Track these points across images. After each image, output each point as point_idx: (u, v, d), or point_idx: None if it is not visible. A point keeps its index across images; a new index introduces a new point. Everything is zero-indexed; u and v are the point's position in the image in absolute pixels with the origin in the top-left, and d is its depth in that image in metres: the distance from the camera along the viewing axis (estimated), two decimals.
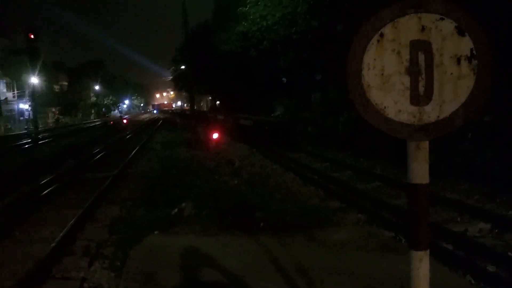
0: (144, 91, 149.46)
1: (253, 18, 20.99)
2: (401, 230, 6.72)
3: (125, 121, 52.03)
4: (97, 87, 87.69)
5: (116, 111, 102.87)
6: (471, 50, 1.85)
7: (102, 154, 18.13)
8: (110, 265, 5.24)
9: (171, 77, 65.88)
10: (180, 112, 74.20)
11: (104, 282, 4.80)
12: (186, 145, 17.78)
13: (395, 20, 1.88)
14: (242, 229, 5.81)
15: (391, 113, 1.93)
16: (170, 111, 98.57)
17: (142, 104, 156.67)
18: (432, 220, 7.44)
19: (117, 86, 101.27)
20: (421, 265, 2.00)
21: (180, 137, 22.04)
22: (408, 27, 1.88)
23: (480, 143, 9.34)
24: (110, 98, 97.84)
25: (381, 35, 1.90)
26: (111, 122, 50.37)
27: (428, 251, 2.01)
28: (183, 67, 45.24)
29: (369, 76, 1.93)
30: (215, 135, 17.43)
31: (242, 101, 32.88)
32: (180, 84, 58.02)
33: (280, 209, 6.62)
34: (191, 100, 24.35)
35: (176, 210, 6.78)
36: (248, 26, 21.69)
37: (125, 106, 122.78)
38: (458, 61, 1.86)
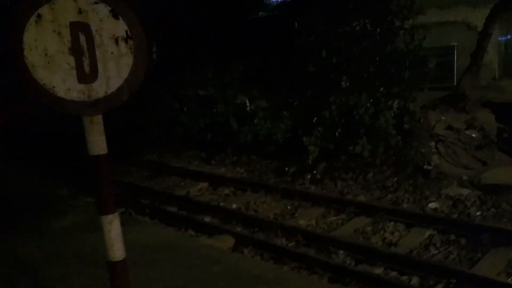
0: None
1: None
2: (130, 203, 7.10)
3: None
4: None
5: None
6: (126, 31, 2.10)
7: None
8: None
9: None
10: None
11: None
12: None
13: (52, 2, 1.94)
14: None
15: (60, 92, 2.00)
16: None
17: None
18: (159, 188, 8.09)
19: None
20: (112, 227, 2.22)
21: None
22: (65, 9, 1.96)
23: (195, 114, 10.47)
24: None
25: (39, 16, 1.93)
26: None
27: (116, 214, 2.23)
28: None
29: (33, 56, 1.93)
30: None
31: None
32: None
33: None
34: None
35: None
36: None
37: None
38: (116, 41, 2.09)
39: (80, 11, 1.99)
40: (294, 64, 8.91)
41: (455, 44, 13.29)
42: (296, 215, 6.33)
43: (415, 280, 4.35)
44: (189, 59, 11.54)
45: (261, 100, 9.50)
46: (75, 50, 2.01)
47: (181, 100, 10.42)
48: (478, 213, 5.76)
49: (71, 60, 2.01)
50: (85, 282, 3.75)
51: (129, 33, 2.11)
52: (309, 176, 7.59)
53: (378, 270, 4.55)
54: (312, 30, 8.67)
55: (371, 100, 7.57)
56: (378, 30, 8.42)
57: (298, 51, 9.17)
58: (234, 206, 6.98)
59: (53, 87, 2.00)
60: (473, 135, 7.99)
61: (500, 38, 13.72)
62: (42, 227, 5.19)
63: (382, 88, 7.99)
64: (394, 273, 4.50)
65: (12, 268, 4.09)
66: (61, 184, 8.65)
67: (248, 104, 9.49)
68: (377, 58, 8.30)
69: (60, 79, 2.00)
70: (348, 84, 8.66)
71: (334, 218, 6.13)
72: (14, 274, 3.97)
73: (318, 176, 7.54)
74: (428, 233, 5.32)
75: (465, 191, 6.41)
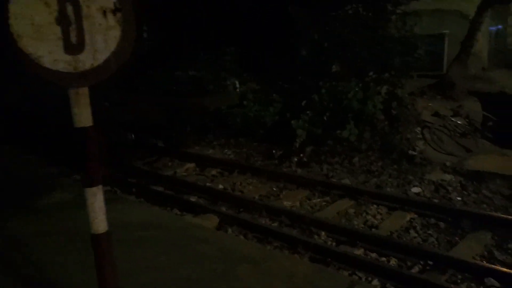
0: None
1: None
2: (116, 182, 7.11)
3: None
4: None
5: None
6: (115, 4, 2.10)
7: None
8: None
9: None
10: None
11: None
12: None
13: None
14: None
15: (47, 62, 2.00)
16: None
17: None
18: (147, 169, 8.10)
19: None
20: (96, 199, 2.24)
21: None
22: None
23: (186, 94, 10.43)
24: None
25: None
26: None
27: (100, 187, 2.25)
28: None
29: (18, 25, 1.92)
30: None
31: None
32: None
33: None
34: None
35: None
36: None
37: None
38: (104, 13, 2.08)
39: None
40: (287, 47, 8.91)
41: (446, 32, 13.36)
42: (281, 196, 6.40)
43: (393, 261, 4.47)
44: (182, 40, 11.46)
45: (251, 83, 9.50)
46: (62, 21, 1.99)
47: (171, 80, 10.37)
48: (459, 198, 5.90)
49: (58, 30, 1.99)
50: (73, 257, 3.77)
51: (117, 6, 2.10)
52: (296, 159, 7.66)
53: (358, 251, 4.66)
54: (305, 14, 8.64)
55: (360, 85, 7.62)
56: (370, 14, 8.42)
57: (291, 34, 9.15)
58: (220, 186, 7.03)
59: (39, 57, 1.99)
60: (459, 123, 8.12)
61: (491, 28, 13.83)
62: (30, 204, 5.19)
63: (371, 73, 8.04)
64: (373, 254, 4.61)
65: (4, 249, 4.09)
66: (50, 162, 8.62)
67: (238, 86, 9.48)
68: (368, 43, 8.32)
69: (46, 49, 1.99)
70: (338, 68, 8.70)
71: (318, 200, 6.22)
72: (1, 250, 3.98)
73: (305, 160, 7.61)
74: (409, 216, 5.44)
75: (448, 177, 6.54)
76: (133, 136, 9.13)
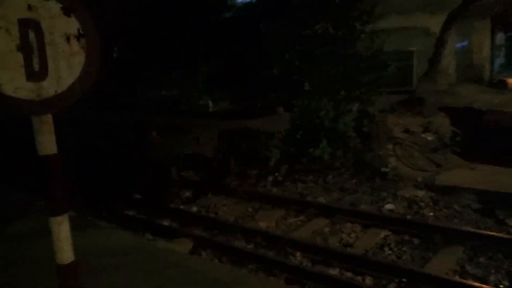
0: None
1: None
2: (86, 207, 6.93)
3: None
4: None
5: None
6: (78, 29, 2.07)
7: None
8: None
9: None
10: None
11: None
12: None
13: None
14: None
15: (8, 90, 1.93)
16: None
17: None
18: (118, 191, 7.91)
19: None
20: (61, 228, 2.16)
21: None
22: (14, 5, 1.91)
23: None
24: None
25: None
26: None
27: (66, 215, 2.18)
28: None
29: None
30: None
31: None
32: None
33: None
34: None
35: None
36: None
37: None
38: (68, 39, 2.05)
39: (30, 8, 1.94)
40: (259, 66, 8.97)
41: (414, 49, 13.75)
42: (256, 217, 6.36)
43: (368, 280, 4.47)
44: (153, 59, 11.39)
45: (224, 102, 9.50)
46: (24, 48, 1.94)
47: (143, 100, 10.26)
48: (431, 214, 5.98)
49: (20, 57, 1.94)
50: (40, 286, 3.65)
51: (81, 31, 2.07)
52: (271, 179, 7.65)
53: (334, 271, 4.64)
54: (276, 32, 8.76)
55: (332, 103, 7.73)
56: (340, 33, 8.60)
57: (263, 53, 9.23)
58: (194, 209, 6.93)
59: (0, 85, 1.93)
60: (429, 138, 8.31)
61: (457, 45, 14.30)
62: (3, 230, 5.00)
63: (342, 92, 8.17)
64: (349, 274, 4.61)
65: None
66: (16, 189, 8.36)
67: (211, 105, 9.47)
68: (338, 62, 8.47)
69: (8, 77, 1.93)
70: (309, 87, 8.80)
71: (294, 219, 6.20)
72: None
73: (280, 179, 7.62)
74: (383, 233, 5.48)
75: (420, 193, 6.65)
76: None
